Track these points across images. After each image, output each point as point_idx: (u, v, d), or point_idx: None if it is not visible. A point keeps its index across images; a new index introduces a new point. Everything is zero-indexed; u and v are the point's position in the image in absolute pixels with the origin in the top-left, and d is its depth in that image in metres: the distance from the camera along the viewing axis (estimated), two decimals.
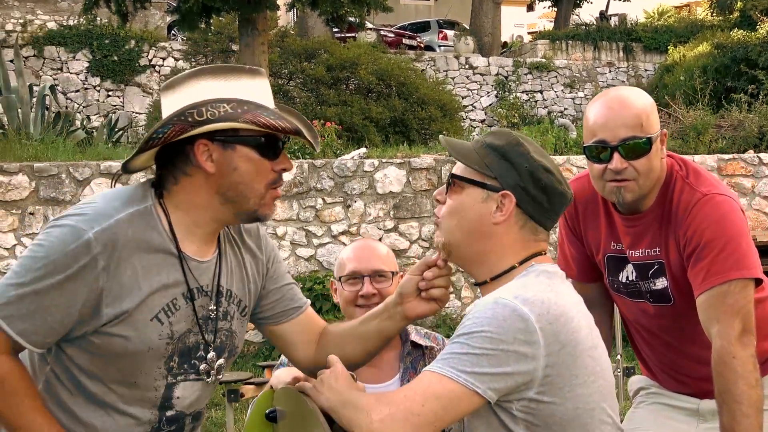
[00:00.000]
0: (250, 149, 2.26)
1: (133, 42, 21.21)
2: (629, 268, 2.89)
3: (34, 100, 13.08)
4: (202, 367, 2.39)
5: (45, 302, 2.16)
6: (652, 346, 3.01)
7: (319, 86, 16.45)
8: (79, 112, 19.99)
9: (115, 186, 2.45)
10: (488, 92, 23.38)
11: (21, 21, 21.75)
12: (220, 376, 2.44)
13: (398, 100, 16.44)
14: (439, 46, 27.26)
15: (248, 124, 2.21)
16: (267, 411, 2.71)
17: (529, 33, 36.18)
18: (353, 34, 23.08)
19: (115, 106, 21.04)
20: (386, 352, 3.15)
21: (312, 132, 2.41)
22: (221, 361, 2.44)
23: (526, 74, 23.77)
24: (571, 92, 23.98)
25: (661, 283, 2.81)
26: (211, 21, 14.68)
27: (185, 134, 2.21)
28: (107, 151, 10.74)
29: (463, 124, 20.27)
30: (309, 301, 2.71)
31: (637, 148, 2.69)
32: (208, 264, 2.38)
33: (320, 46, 17.68)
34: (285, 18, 27.34)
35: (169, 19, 22.66)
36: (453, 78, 23.19)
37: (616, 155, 2.70)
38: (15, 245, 9.02)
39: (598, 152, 2.73)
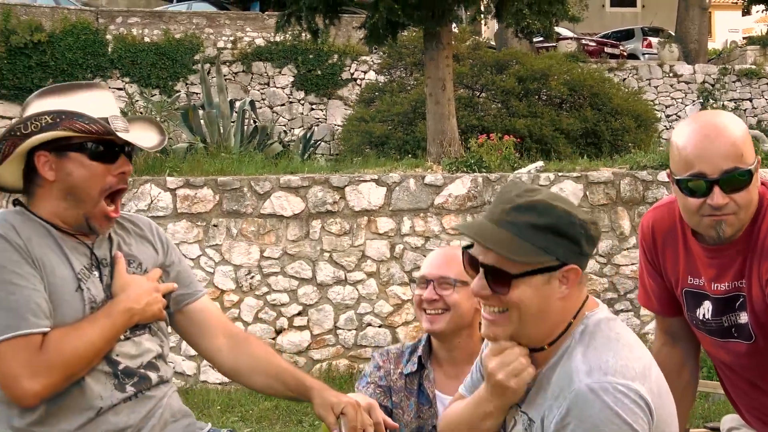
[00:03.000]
0: (82, 155, 2.51)
1: (335, 56, 21.80)
2: (706, 304, 2.71)
3: (235, 114, 13.64)
4: None
5: (18, 295, 2.39)
6: (736, 385, 2.84)
7: (510, 98, 16.38)
8: (284, 126, 20.76)
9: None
10: (693, 101, 22.58)
11: (231, 38, 22.76)
12: (144, 332, 2.64)
13: (590, 111, 16.15)
14: (643, 54, 26.56)
15: (67, 132, 2.46)
16: None
17: (744, 38, 34.67)
18: (554, 44, 22.86)
19: (317, 118, 21.70)
20: (469, 364, 3.12)
21: (161, 136, 2.70)
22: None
23: (734, 82, 22.80)
24: None
25: (744, 317, 2.63)
26: (397, 36, 14.87)
27: (18, 147, 2.47)
28: (293, 165, 11.09)
29: (664, 134, 19.64)
30: (205, 291, 2.96)
31: (738, 181, 2.46)
32: (98, 241, 2.63)
33: (512, 57, 17.59)
34: (490, 31, 27.38)
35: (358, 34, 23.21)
36: (656, 87, 22.55)
37: (716, 189, 2.46)
38: (200, 256, 9.46)
39: (695, 186, 2.50)
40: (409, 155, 13.99)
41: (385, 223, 9.83)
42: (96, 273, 2.59)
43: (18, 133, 2.49)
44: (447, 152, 12.81)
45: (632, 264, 10.10)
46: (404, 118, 16.25)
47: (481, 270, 2.19)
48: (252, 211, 9.51)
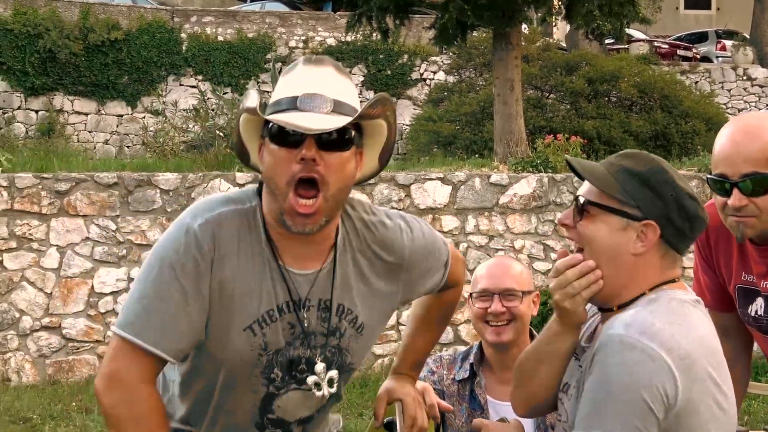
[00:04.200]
0: (270, 140, 2.17)
1: (405, 56, 21.90)
2: (759, 301, 2.74)
3: None
4: (309, 380, 2.32)
5: (171, 307, 2.15)
6: None
7: (579, 99, 16.33)
8: None
9: None
10: (767, 104, 22.24)
11: (303, 38, 22.99)
12: (332, 390, 2.35)
13: (660, 113, 16.03)
14: (717, 57, 26.19)
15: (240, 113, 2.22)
16: (386, 420, 2.83)
17: None
18: (625, 46, 22.69)
19: None
20: None
21: (342, 120, 2.15)
22: (332, 374, 2.35)
23: None
24: None
25: None
26: (467, 36, 14.93)
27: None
28: None
29: None
30: (449, 254, 2.60)
31: (759, 184, 2.50)
32: (310, 276, 2.28)
33: (582, 58, 17.55)
34: (561, 33, 27.26)
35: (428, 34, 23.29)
36: (729, 90, 22.25)
37: (735, 191, 2.52)
38: None
39: (719, 186, 2.57)
40: (476, 155, 14.05)
41: (449, 221, 9.90)
42: (286, 314, 2.27)
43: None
44: (514, 152, 12.85)
45: (689, 267, 10.03)
46: (472, 118, 16.31)
47: (574, 201, 2.26)
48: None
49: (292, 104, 2.14)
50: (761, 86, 22.43)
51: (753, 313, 2.78)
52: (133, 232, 9.22)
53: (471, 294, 3.23)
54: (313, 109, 2.13)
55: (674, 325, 2.09)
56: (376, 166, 2.36)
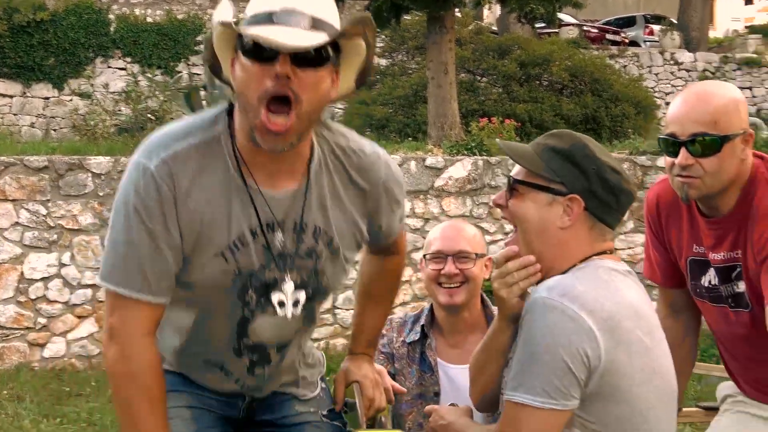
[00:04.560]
0: (243, 54, 2.07)
1: None
2: (711, 272, 2.81)
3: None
4: (274, 297, 2.29)
5: (144, 250, 2.13)
6: (734, 355, 2.93)
7: (511, 82, 16.44)
8: None
9: None
10: None
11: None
12: (296, 311, 2.32)
13: (591, 97, 16.23)
14: (645, 41, 26.59)
15: (217, 27, 2.09)
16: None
17: (746, 27, 34.67)
18: (555, 30, 22.89)
19: None
20: (471, 333, 3.26)
21: (319, 36, 2.05)
22: (301, 296, 2.32)
23: (734, 70, 22.86)
24: None
25: (741, 286, 2.73)
26: (401, 19, 14.92)
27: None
28: None
29: (663, 120, 19.72)
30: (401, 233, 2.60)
31: (706, 145, 2.59)
32: (283, 197, 2.23)
33: (514, 42, 17.65)
34: (493, 16, 27.39)
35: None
36: (656, 74, 22.60)
37: (682, 150, 2.61)
38: None
39: (668, 145, 2.66)
40: (410, 138, 14.06)
41: None
42: (258, 237, 2.24)
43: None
44: (448, 135, 12.89)
45: (628, 248, 10.20)
46: (405, 102, 16.31)
47: (507, 182, 2.35)
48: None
49: (268, 19, 2.03)
50: (688, 70, 22.83)
51: (706, 284, 2.83)
52: (64, 217, 9.05)
53: (424, 256, 3.27)
54: (291, 24, 2.03)
55: (598, 289, 2.15)
56: (352, 86, 2.28)
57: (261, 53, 2.03)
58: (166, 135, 2.20)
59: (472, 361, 2.50)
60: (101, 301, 9.15)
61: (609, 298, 2.14)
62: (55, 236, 9.04)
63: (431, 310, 3.34)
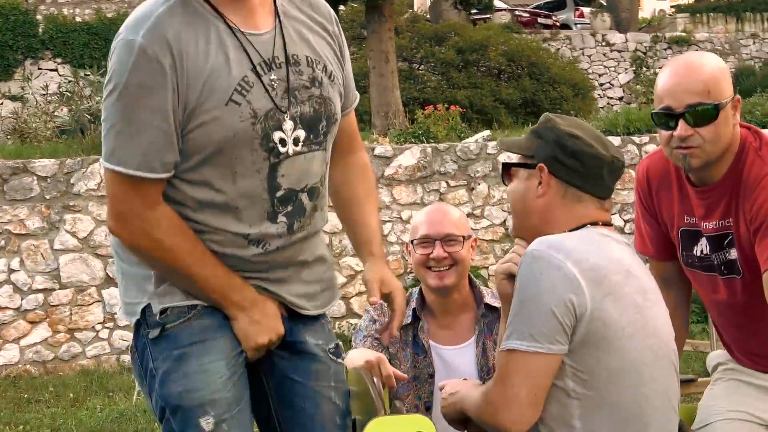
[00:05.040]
0: None
1: None
2: (703, 241, 2.85)
3: None
4: (275, 135, 2.28)
5: (141, 125, 2.14)
6: (727, 325, 2.99)
7: (449, 69, 16.52)
8: None
9: None
10: (626, 69, 22.94)
11: None
12: (298, 147, 2.32)
13: (529, 81, 16.39)
14: (576, 23, 26.84)
15: None
16: None
17: (671, 6, 35.23)
18: (488, 16, 23.03)
19: None
20: (462, 314, 3.29)
21: None
22: (299, 133, 2.32)
23: (665, 49, 23.20)
24: None
25: (733, 254, 2.78)
26: (339, 10, 14.90)
27: None
28: None
29: (599, 102, 19.98)
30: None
31: (703, 114, 2.64)
32: (267, 35, 2.29)
33: (450, 29, 17.75)
34: (422, 3, 27.46)
35: None
36: (589, 56, 22.84)
37: (681, 122, 2.65)
38: None
39: (665, 119, 2.70)
40: None
41: None
42: (263, 76, 2.26)
43: None
44: (392, 124, 12.91)
45: None
46: None
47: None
48: None
49: None
50: (619, 51, 23.11)
51: (698, 254, 2.88)
52: (11, 222, 8.91)
53: (412, 241, 3.29)
54: None
55: (586, 245, 2.28)
56: None
57: None
58: (142, 10, 2.21)
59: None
60: (54, 305, 9.03)
61: (596, 253, 2.26)
62: (3, 242, 8.91)
63: (421, 293, 3.35)
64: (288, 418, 2.48)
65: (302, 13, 2.41)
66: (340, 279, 9.67)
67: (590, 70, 22.29)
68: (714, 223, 2.80)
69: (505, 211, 10.20)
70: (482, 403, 2.32)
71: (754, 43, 23.86)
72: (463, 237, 3.24)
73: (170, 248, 2.21)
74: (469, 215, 10.08)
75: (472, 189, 10.19)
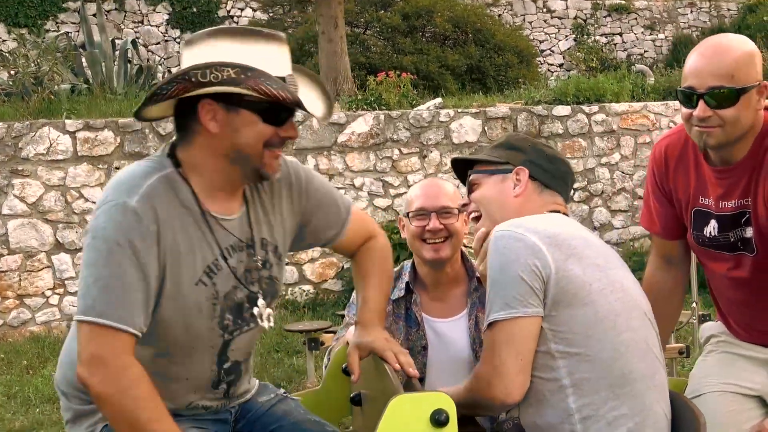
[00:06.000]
0: (254, 114, 2.32)
1: None
2: (713, 222, 2.94)
3: (117, 54, 13.29)
4: (255, 312, 2.51)
5: (127, 283, 2.24)
6: (729, 300, 3.08)
7: (395, 35, 16.46)
8: (161, 65, 20.29)
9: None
10: (566, 36, 23.08)
11: None
12: (271, 323, 2.56)
13: (474, 48, 16.40)
14: None
15: (250, 91, 2.24)
16: (343, 366, 2.89)
17: None
18: None
19: None
20: (454, 287, 3.37)
21: (327, 101, 2.54)
22: (269, 309, 2.56)
23: (605, 17, 23.39)
24: (651, 34, 23.53)
25: (749, 232, 2.87)
26: None
27: (188, 93, 2.26)
28: None
29: (540, 69, 20.09)
30: (350, 207, 2.81)
31: (724, 97, 2.71)
32: (237, 219, 2.48)
33: None
34: None
35: None
36: (530, 22, 22.91)
37: (701, 103, 2.73)
38: None
39: (686, 97, 2.78)
40: None
41: None
42: (229, 259, 2.45)
43: (193, 79, 2.25)
44: (341, 90, 12.86)
45: None
46: (291, 57, 16.11)
47: (467, 186, 2.83)
48: (154, 153, 9.38)
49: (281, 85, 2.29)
50: (560, 18, 23.23)
51: (708, 234, 2.97)
52: None
53: (407, 214, 3.34)
54: (299, 92, 2.36)
55: (543, 221, 2.52)
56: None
57: (278, 117, 2.37)
58: (132, 175, 2.35)
59: None
60: (3, 271, 8.91)
61: (553, 226, 2.50)
62: None
63: (413, 266, 3.39)
64: None
65: (266, 193, 2.59)
66: None
67: (532, 37, 22.37)
68: (733, 202, 2.88)
69: (456, 179, 10.26)
70: (473, 383, 2.46)
71: (691, 12, 24.14)
72: (458, 210, 3.30)
73: (135, 398, 2.22)
74: None
75: (425, 156, 10.24)
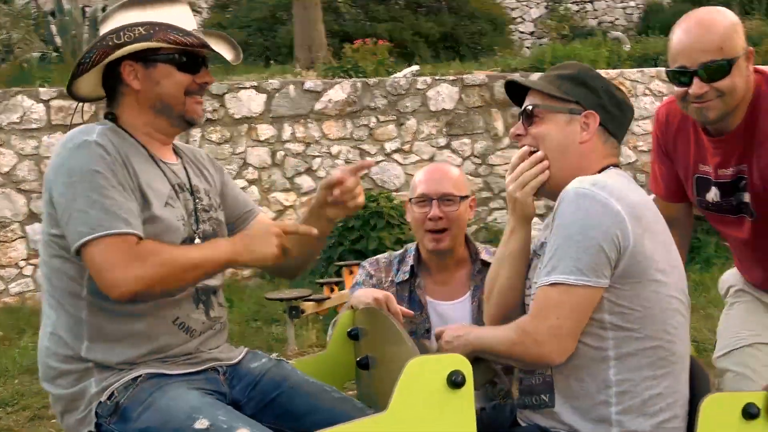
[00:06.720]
0: (170, 66, 2.59)
1: None
2: (714, 189, 2.98)
3: (87, 21, 13.13)
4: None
5: (118, 198, 2.40)
6: (742, 257, 3.16)
7: (369, 2, 16.35)
8: None
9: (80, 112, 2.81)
10: (537, 3, 23.02)
11: None
12: None
13: (448, 15, 16.32)
14: None
15: (161, 43, 2.52)
16: (349, 330, 2.86)
17: None
18: None
19: None
20: (457, 270, 3.34)
21: (235, 50, 2.77)
22: None
23: None
24: (622, 2, 23.55)
25: (747, 197, 2.91)
26: None
27: (109, 57, 2.52)
28: None
29: (512, 37, 20.05)
30: (259, 208, 2.98)
31: (716, 71, 2.73)
32: (177, 166, 2.71)
33: None
34: None
35: None
36: None
37: (696, 80, 2.75)
38: None
39: (679, 76, 2.79)
40: (272, 61, 13.86)
41: (266, 130, 9.81)
42: (180, 194, 2.65)
43: (110, 43, 2.51)
44: (316, 58, 12.76)
45: (506, 163, 10.43)
46: (264, 24, 16.00)
47: (520, 113, 2.58)
48: None
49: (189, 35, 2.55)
50: None
51: (710, 200, 3.02)
52: None
53: (410, 199, 3.31)
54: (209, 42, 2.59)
55: (621, 183, 2.41)
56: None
57: (192, 65, 2.61)
58: (79, 129, 2.50)
59: (487, 279, 2.66)
60: None
61: (633, 191, 2.40)
62: None
63: (417, 250, 3.37)
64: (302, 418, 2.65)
65: (192, 157, 2.84)
66: (270, 214, 9.63)
67: (503, 5, 22.33)
68: (731, 169, 2.91)
69: (433, 146, 10.25)
70: (519, 336, 2.37)
71: None
72: (461, 197, 3.26)
73: (167, 261, 2.40)
74: (397, 151, 10.11)
75: (401, 124, 10.20)
